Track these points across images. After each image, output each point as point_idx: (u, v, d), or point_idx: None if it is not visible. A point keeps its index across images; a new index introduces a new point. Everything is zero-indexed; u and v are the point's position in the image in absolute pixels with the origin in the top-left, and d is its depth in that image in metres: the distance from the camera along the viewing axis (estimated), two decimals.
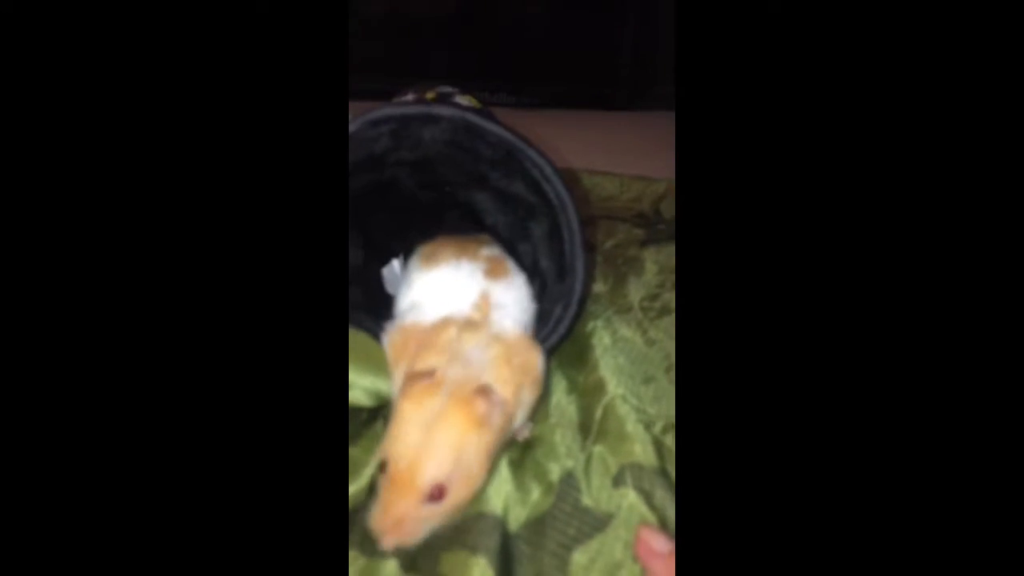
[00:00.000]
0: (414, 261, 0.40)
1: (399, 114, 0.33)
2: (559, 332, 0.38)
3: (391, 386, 0.34)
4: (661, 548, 0.27)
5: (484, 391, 0.28)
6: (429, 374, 0.28)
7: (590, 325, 0.46)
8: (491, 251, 0.39)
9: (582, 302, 0.38)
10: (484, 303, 0.34)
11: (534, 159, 0.35)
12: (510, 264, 0.38)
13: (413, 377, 0.28)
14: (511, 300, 0.36)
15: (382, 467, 0.26)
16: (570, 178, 0.74)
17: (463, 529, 0.29)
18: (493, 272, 0.36)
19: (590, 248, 0.58)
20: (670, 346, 0.45)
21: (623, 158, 0.85)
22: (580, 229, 0.36)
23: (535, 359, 0.33)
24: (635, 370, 0.42)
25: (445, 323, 0.32)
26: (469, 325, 0.32)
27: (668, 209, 0.71)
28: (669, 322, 0.48)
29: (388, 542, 0.25)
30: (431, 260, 0.38)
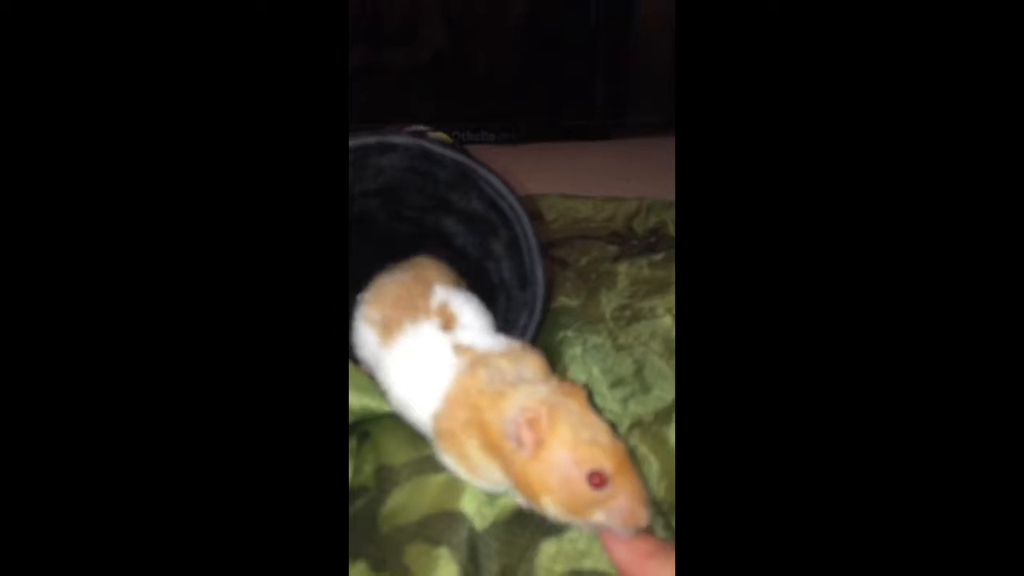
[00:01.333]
0: (366, 330, 0.37)
1: (356, 145, 0.36)
2: (526, 339, 0.40)
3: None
4: (623, 534, 0.28)
5: (566, 384, 0.30)
6: (531, 409, 0.27)
7: (560, 335, 0.48)
8: (440, 294, 0.37)
9: (545, 308, 0.40)
10: (463, 350, 0.33)
11: (487, 178, 0.38)
12: (455, 304, 0.37)
13: (524, 422, 0.27)
14: (475, 326, 0.36)
15: (598, 480, 0.26)
16: (533, 201, 0.77)
17: (427, 524, 0.30)
18: (446, 324, 0.35)
19: (552, 258, 0.60)
20: (639, 351, 0.46)
21: (599, 183, 0.88)
22: (537, 238, 0.39)
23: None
24: (604, 375, 0.43)
25: (467, 379, 0.31)
26: (479, 363, 0.31)
27: (640, 225, 0.73)
28: (639, 328, 0.49)
29: (645, 517, 0.27)
30: (387, 332, 0.36)
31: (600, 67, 1.21)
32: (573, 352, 0.46)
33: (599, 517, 0.27)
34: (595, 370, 0.44)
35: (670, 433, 0.38)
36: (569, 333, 0.48)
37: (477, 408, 0.29)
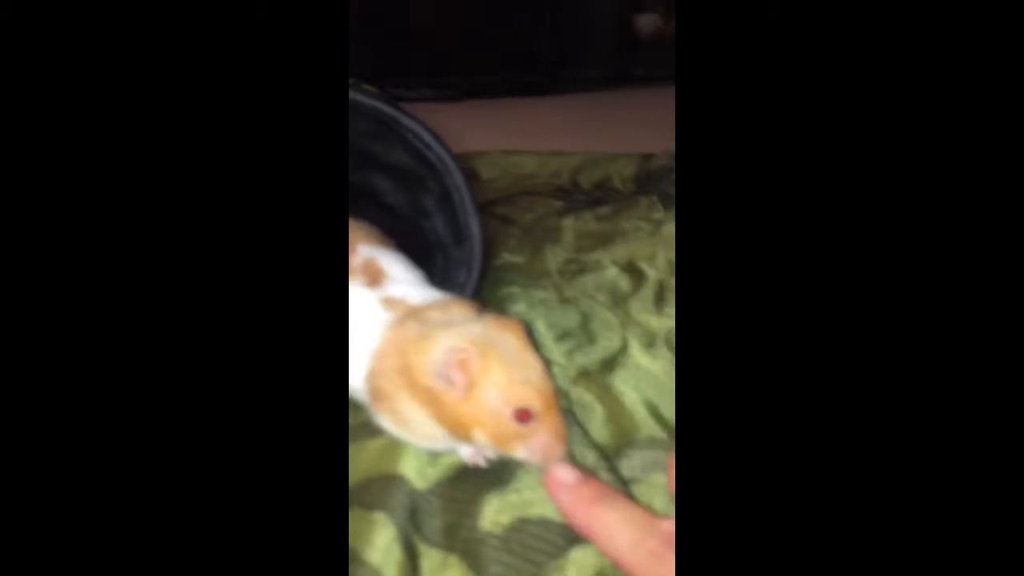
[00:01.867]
0: None
1: None
2: (466, 295, 0.38)
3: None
4: (567, 479, 0.28)
5: (502, 319, 0.29)
6: (461, 350, 0.26)
7: (504, 291, 0.47)
8: (365, 252, 0.35)
9: (484, 262, 0.39)
10: (393, 303, 0.31)
11: (410, 126, 0.35)
12: (382, 260, 0.34)
13: (455, 363, 0.26)
14: (406, 280, 0.34)
15: (523, 416, 0.26)
16: (474, 158, 0.74)
17: (362, 490, 0.29)
18: (374, 280, 0.33)
19: (494, 216, 0.58)
20: (585, 303, 0.46)
21: (542, 139, 0.86)
22: (469, 190, 0.37)
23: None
24: (549, 329, 0.43)
25: (396, 332, 0.29)
26: (411, 314, 0.30)
27: (586, 179, 0.72)
28: (585, 281, 0.49)
29: (561, 453, 0.27)
30: None
31: (544, 20, 1.17)
32: (518, 308, 0.45)
33: (521, 451, 0.27)
34: (540, 324, 0.43)
35: (615, 380, 0.38)
36: (514, 289, 0.47)
37: (404, 354, 0.28)
